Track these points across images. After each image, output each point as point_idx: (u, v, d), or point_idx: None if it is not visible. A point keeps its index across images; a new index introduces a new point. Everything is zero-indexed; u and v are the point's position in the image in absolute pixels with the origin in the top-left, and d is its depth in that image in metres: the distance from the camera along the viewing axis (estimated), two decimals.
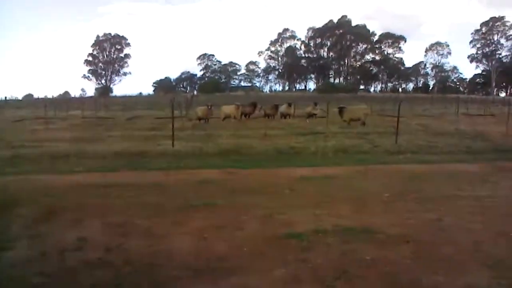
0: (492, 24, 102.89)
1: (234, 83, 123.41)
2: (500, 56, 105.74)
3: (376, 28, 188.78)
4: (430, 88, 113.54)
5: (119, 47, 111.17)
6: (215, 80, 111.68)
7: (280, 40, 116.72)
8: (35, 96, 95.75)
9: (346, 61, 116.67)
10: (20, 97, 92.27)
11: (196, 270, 4.96)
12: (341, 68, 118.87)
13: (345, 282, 4.72)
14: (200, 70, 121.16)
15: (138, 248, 5.69)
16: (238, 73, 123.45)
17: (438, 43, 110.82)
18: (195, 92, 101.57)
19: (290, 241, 5.91)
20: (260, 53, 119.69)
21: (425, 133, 19.93)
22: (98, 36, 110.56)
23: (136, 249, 5.66)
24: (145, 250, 5.62)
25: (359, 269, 5.02)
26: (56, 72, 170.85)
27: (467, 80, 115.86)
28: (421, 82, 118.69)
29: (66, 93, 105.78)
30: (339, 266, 5.07)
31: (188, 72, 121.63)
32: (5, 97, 78.12)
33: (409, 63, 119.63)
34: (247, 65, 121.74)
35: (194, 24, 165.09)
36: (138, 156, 13.68)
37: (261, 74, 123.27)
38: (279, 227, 6.53)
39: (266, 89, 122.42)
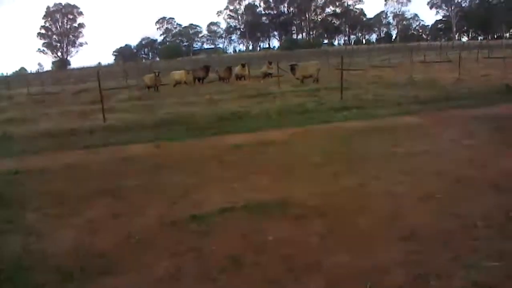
0: None
1: (197, 46, 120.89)
2: (459, 0, 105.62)
3: None
4: (393, 38, 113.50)
5: (71, 16, 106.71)
6: (175, 45, 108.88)
7: None
8: None
9: (307, 15, 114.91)
10: None
11: (66, 274, 4.23)
12: (302, 23, 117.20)
13: (234, 272, 4.10)
14: (160, 35, 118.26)
15: (12, 247, 4.94)
16: (200, 35, 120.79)
17: None
18: (158, 59, 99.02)
19: (190, 226, 5.25)
20: (219, 12, 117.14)
21: (378, 85, 19.42)
22: (48, 7, 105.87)
23: (8, 249, 4.92)
24: (18, 250, 4.86)
25: (254, 255, 4.40)
26: (12, 48, 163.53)
27: (429, 27, 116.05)
28: (384, 32, 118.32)
29: (22, 69, 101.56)
30: (234, 253, 4.45)
31: (148, 38, 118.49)
32: None
33: (371, 13, 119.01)
34: (208, 26, 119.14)
35: None
36: (67, 134, 12.74)
37: (224, 35, 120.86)
38: (187, 208, 5.84)
39: (230, 50, 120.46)
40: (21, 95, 29.01)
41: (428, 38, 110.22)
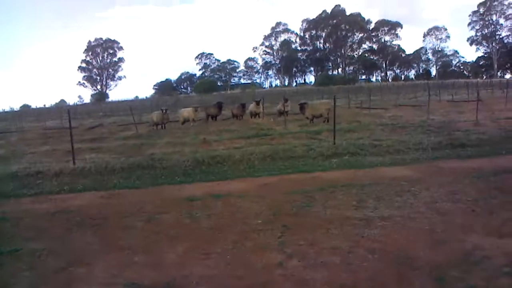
0: (490, 4, 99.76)
1: (234, 81, 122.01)
2: (501, 36, 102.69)
3: (376, 16, 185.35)
4: (434, 75, 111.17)
5: (111, 51, 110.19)
6: (210, 80, 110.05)
7: (274, 35, 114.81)
8: (33, 106, 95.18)
9: (343, 51, 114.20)
10: (16, 108, 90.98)
11: None
12: (338, 59, 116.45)
13: None
14: (199, 70, 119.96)
15: None
16: (238, 70, 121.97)
17: (436, 28, 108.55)
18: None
19: None
20: (254, 48, 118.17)
21: (387, 127, 18.00)
22: (90, 42, 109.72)
23: None
24: None
25: None
26: (53, 80, 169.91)
27: (470, 63, 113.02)
28: (422, 68, 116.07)
29: (62, 101, 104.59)
30: None
31: (188, 72, 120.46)
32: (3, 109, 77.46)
33: (410, 49, 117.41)
34: (245, 62, 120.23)
35: (190, 24, 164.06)
36: (32, 177, 12.04)
37: (260, 70, 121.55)
38: (59, 285, 4.84)
39: (266, 85, 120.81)
40: (33, 130, 29.08)
41: (470, 75, 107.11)
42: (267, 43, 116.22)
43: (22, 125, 36.33)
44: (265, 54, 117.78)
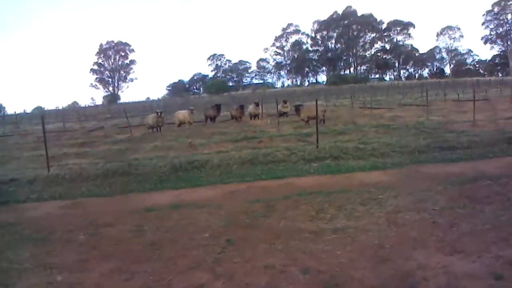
0: (505, 4, 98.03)
1: (246, 81, 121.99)
2: None
3: (388, 16, 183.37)
4: (448, 73, 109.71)
5: (123, 53, 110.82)
6: (220, 80, 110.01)
7: (284, 36, 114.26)
8: (46, 108, 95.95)
9: (355, 51, 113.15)
10: (29, 110, 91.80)
11: None
12: (350, 59, 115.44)
13: None
14: (211, 71, 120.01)
15: None
16: (250, 71, 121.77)
17: (449, 27, 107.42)
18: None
19: None
20: (265, 49, 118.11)
21: (382, 129, 17.43)
22: (101, 44, 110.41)
23: None
24: None
25: None
26: (66, 82, 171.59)
27: (486, 61, 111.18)
28: (436, 67, 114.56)
29: (75, 102, 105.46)
30: None
31: (200, 73, 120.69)
32: (15, 112, 78.03)
33: (424, 48, 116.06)
34: (257, 62, 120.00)
35: (203, 26, 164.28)
36: (6, 184, 11.81)
37: (273, 71, 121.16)
38: None
39: (279, 84, 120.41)
40: (35, 132, 29.03)
41: (485, 73, 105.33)
42: (277, 44, 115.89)
43: (27, 128, 36.40)
44: (276, 55, 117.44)
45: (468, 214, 6.77)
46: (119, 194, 10.17)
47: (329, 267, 5.15)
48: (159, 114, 23.31)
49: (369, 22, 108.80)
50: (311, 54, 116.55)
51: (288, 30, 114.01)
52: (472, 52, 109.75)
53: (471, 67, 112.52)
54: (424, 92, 44.66)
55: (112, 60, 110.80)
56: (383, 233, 6.17)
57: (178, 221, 7.46)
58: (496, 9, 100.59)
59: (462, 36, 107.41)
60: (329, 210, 7.42)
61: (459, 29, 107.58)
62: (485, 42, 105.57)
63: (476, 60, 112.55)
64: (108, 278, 5.40)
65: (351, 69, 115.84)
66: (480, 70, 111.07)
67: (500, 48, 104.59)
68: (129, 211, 8.39)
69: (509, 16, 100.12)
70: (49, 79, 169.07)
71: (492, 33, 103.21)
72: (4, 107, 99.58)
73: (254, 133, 18.82)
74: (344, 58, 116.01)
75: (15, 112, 78.57)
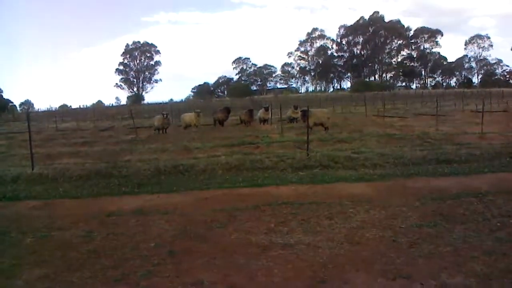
0: None
1: (271, 85, 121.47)
2: None
3: (416, 24, 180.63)
4: (476, 83, 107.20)
5: (149, 55, 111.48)
6: (243, 84, 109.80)
7: (309, 40, 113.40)
8: (72, 106, 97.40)
9: (381, 58, 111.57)
10: (55, 108, 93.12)
11: None
12: (375, 65, 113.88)
13: None
14: (236, 74, 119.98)
15: None
16: (274, 75, 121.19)
17: (478, 36, 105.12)
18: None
19: None
20: (289, 54, 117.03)
21: (383, 138, 16.86)
22: (127, 45, 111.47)
23: None
24: None
25: None
26: (92, 82, 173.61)
27: None
28: (464, 76, 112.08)
29: (99, 102, 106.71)
30: None
31: (225, 76, 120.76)
32: (38, 109, 79.63)
33: (452, 57, 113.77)
34: (282, 67, 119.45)
35: (229, 30, 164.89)
36: None
37: (297, 75, 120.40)
38: None
39: (303, 90, 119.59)
40: (47, 131, 29.27)
41: None
42: (302, 49, 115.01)
43: (40, 125, 36.81)
44: (300, 60, 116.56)
45: (435, 234, 6.28)
46: (92, 197, 9.93)
47: (258, 286, 4.76)
48: (164, 115, 23.18)
49: (396, 29, 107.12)
50: (336, 59, 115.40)
51: (313, 35, 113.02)
52: (502, 62, 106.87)
53: (501, 77, 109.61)
54: (444, 101, 43.82)
55: (137, 61, 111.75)
56: (333, 251, 5.74)
57: (131, 229, 7.16)
58: None
59: (492, 46, 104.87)
60: (290, 223, 7.02)
61: (488, 38, 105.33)
62: None
63: (507, 70, 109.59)
64: (31, 286, 5.11)
65: (376, 76, 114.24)
66: (510, 81, 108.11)
67: None
68: (91, 215, 8.13)
69: None
70: (76, 77, 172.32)
71: None
72: (32, 104, 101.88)
73: (256, 138, 18.44)
74: (370, 64, 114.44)
75: (38, 109, 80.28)
